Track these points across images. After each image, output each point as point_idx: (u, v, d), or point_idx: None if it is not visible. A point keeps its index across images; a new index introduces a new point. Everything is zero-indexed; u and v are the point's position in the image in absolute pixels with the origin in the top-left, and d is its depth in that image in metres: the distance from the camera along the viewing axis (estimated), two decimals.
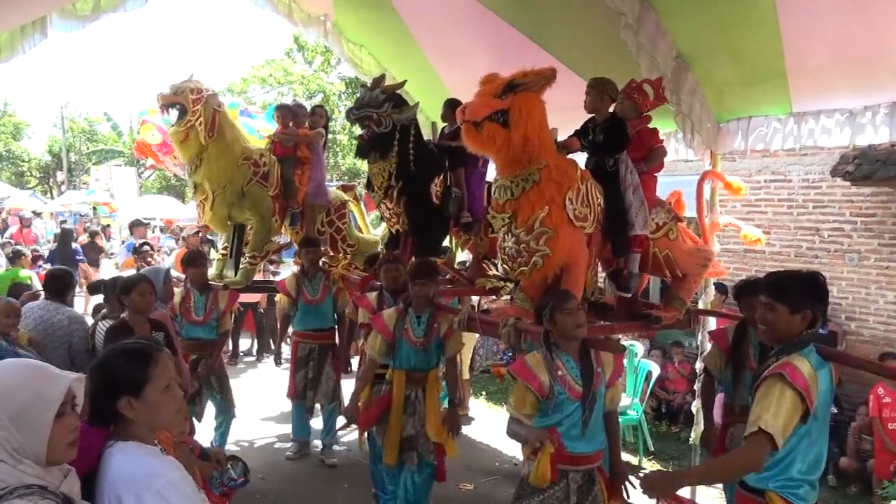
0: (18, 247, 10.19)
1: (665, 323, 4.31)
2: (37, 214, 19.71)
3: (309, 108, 6.53)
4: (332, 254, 6.58)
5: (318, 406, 6.13)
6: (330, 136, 28.60)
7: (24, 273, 8.17)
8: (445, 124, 5.39)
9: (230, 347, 9.85)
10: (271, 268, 9.41)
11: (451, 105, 5.15)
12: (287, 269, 8.92)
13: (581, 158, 4.20)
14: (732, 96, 4.90)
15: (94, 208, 21.50)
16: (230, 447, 6.14)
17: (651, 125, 4.33)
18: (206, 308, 5.55)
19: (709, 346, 4.62)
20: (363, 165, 27.48)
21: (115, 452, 1.83)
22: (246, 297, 9.57)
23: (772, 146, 4.99)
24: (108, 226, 20.52)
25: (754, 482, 2.65)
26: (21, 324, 4.26)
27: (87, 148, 34.68)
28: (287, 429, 6.91)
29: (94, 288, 6.17)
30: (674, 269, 4.30)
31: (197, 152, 5.78)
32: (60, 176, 33.65)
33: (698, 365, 5.42)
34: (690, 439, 5.47)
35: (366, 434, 4.72)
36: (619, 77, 4.15)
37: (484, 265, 5.57)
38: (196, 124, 5.64)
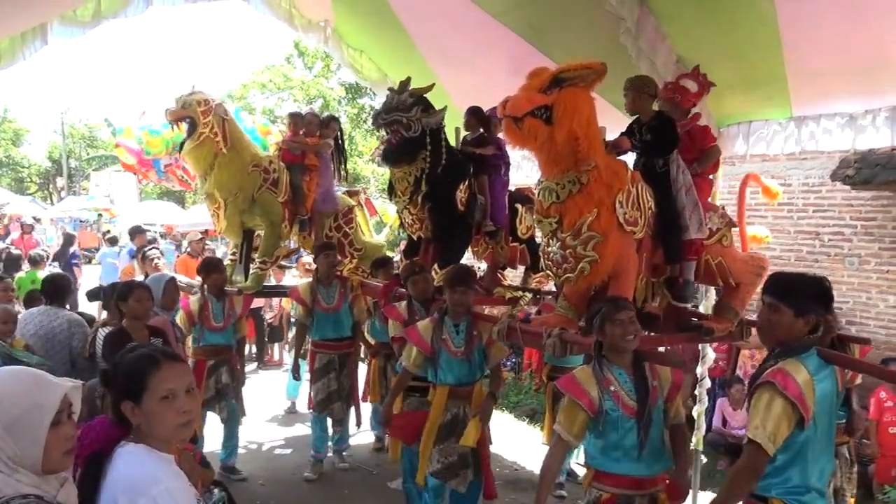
0: (17, 251, 10.19)
1: (717, 335, 4.11)
2: (37, 220, 19.72)
3: (323, 118, 6.61)
4: (340, 258, 6.56)
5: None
6: None
7: (41, 275, 8.17)
8: (467, 133, 5.36)
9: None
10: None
11: (474, 113, 5.23)
12: (289, 276, 8.93)
13: (627, 159, 3.96)
14: (733, 100, 4.90)
15: (100, 214, 21.48)
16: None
17: None
18: (224, 314, 5.63)
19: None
20: (364, 170, 27.62)
21: (123, 453, 1.82)
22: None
23: (772, 150, 5.00)
24: (109, 231, 20.51)
25: (758, 490, 2.61)
26: (21, 330, 4.26)
27: (88, 154, 34.75)
28: (287, 433, 6.92)
29: (92, 295, 6.17)
30: (727, 278, 4.09)
31: (209, 163, 5.81)
32: (60, 182, 33.72)
33: (699, 370, 5.42)
34: (692, 443, 5.43)
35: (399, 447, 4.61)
36: (621, 82, 4.10)
37: (499, 275, 5.55)
38: (210, 135, 5.67)
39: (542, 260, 3.79)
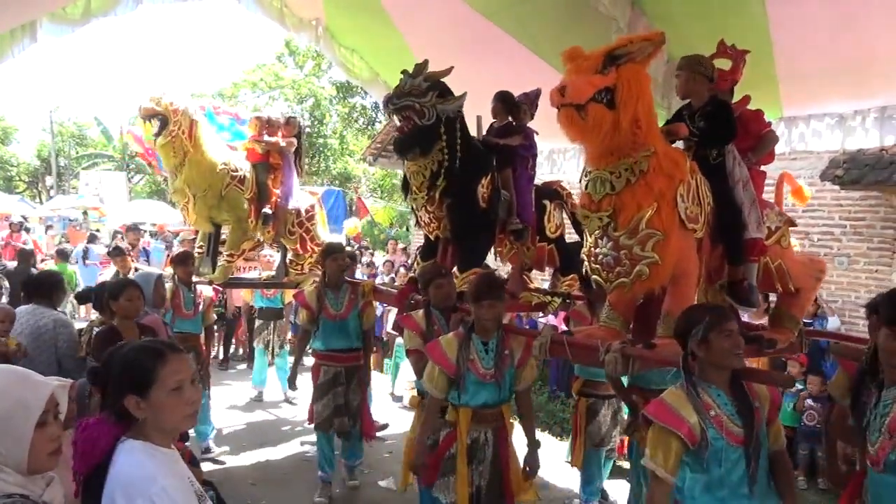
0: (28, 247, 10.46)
1: (780, 347, 3.72)
2: (25, 219, 19.59)
3: (284, 118, 6.88)
4: (300, 252, 7.06)
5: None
6: (320, 140, 28.66)
7: (71, 268, 9.04)
8: (494, 120, 4.92)
9: (221, 354, 9.85)
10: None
11: (502, 99, 4.81)
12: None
13: None
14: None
15: (85, 213, 21.38)
16: (222, 456, 6.13)
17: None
18: (194, 303, 6.10)
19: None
20: (354, 169, 27.58)
21: (123, 451, 1.79)
22: (239, 302, 9.62)
23: None
24: (98, 230, 20.41)
25: None
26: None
27: (77, 152, 34.50)
28: (279, 434, 6.89)
29: (82, 297, 6.14)
30: (786, 283, 3.71)
31: (179, 160, 6.16)
32: (49, 181, 33.46)
33: None
34: None
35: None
36: None
37: (525, 277, 5.20)
38: (179, 133, 6.02)
39: (586, 263, 3.36)
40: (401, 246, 13.46)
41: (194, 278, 6.26)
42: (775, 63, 4.40)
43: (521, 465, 3.69)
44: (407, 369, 7.18)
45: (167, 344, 2.00)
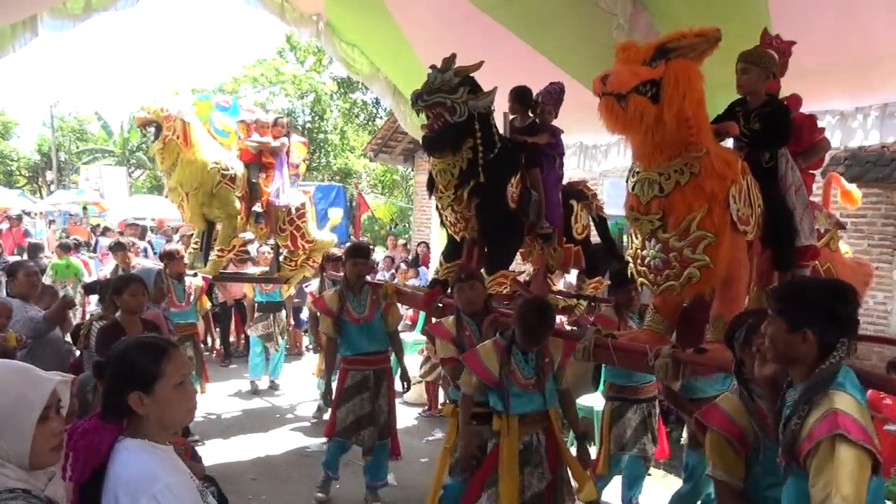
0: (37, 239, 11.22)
1: None
2: (27, 213, 19.59)
3: (272, 119, 7.26)
4: (292, 249, 7.39)
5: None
6: (321, 135, 28.65)
7: (75, 261, 9.29)
8: (514, 117, 4.77)
9: (221, 348, 9.85)
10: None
11: (520, 95, 4.65)
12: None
13: None
14: (724, 98, 4.92)
15: (85, 208, 21.38)
16: (223, 451, 6.13)
17: None
18: (184, 295, 6.39)
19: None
20: (355, 165, 27.59)
21: (122, 451, 1.79)
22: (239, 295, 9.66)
23: None
24: (98, 225, 20.40)
25: None
26: None
27: (77, 147, 34.48)
28: (280, 428, 6.90)
29: (89, 289, 6.35)
30: None
31: (173, 161, 6.53)
32: (50, 175, 33.42)
33: None
34: (682, 440, 5.42)
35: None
36: None
37: (549, 280, 5.09)
38: (173, 137, 6.40)
39: (631, 265, 3.27)
40: (401, 242, 13.46)
41: (188, 272, 6.57)
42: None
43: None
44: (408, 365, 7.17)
45: (167, 340, 2.02)
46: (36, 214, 19.71)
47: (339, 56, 7.07)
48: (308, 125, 27.26)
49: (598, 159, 6.76)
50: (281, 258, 7.65)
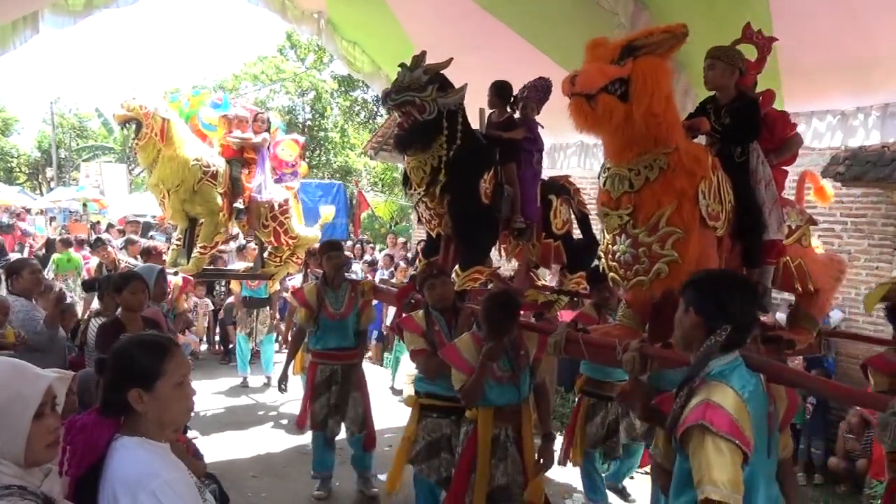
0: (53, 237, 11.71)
1: (799, 347, 3.67)
2: (26, 210, 19.60)
3: (252, 114, 7.26)
4: (275, 245, 7.43)
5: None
6: (322, 133, 28.57)
7: (76, 256, 9.66)
8: (492, 111, 4.78)
9: (222, 347, 9.87)
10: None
11: (500, 89, 4.66)
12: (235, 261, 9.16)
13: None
14: None
15: (85, 205, 21.38)
16: (224, 448, 6.14)
17: None
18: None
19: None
20: (355, 163, 27.56)
21: (119, 448, 1.80)
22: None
23: None
24: (99, 222, 20.41)
25: None
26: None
27: (78, 144, 34.45)
28: (280, 426, 6.91)
29: (87, 285, 6.32)
30: (806, 283, 3.64)
31: (153, 157, 6.50)
32: (50, 172, 33.41)
33: None
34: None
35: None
36: None
37: (532, 275, 5.11)
38: (152, 135, 6.35)
39: (603, 260, 3.31)
40: (401, 240, 13.46)
41: (169, 269, 6.45)
42: (778, 58, 4.39)
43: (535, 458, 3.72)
44: (407, 363, 7.18)
45: (169, 338, 2.02)
46: (37, 212, 19.71)
47: (339, 54, 7.06)
48: (308, 123, 27.23)
49: (599, 158, 6.75)
50: (265, 254, 7.69)
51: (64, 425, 1.76)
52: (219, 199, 6.85)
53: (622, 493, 5.31)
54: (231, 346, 9.81)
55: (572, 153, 6.85)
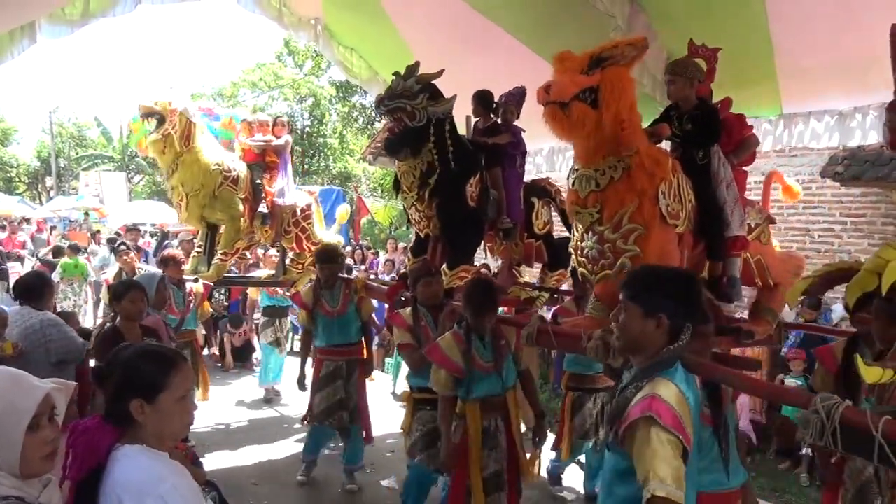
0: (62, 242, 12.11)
1: (758, 338, 3.84)
2: (26, 220, 19.63)
3: (272, 119, 7.19)
4: (297, 251, 7.23)
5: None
6: (320, 139, 28.63)
7: (83, 261, 10.00)
8: (478, 119, 5.03)
9: (219, 353, 9.85)
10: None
11: (481, 98, 4.89)
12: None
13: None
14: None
15: (86, 213, 21.42)
16: (225, 456, 6.12)
17: None
18: (184, 301, 6.23)
19: None
20: (354, 168, 27.58)
21: (121, 456, 1.78)
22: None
23: (762, 147, 5.01)
24: (99, 231, 20.43)
25: None
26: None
27: (77, 153, 34.50)
28: (282, 433, 6.90)
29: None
30: (765, 278, 3.91)
31: (173, 159, 6.31)
32: (49, 181, 33.47)
33: None
34: None
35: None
36: None
37: (515, 272, 5.31)
38: (172, 132, 6.14)
39: (574, 256, 3.52)
40: (401, 245, 13.45)
41: (189, 277, 6.44)
42: (775, 59, 4.40)
43: (529, 439, 4.07)
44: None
45: (176, 351, 2.01)
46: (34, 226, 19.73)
47: (337, 60, 7.06)
48: (307, 129, 27.28)
49: None
50: (287, 261, 7.47)
51: (68, 429, 1.75)
52: (240, 205, 6.72)
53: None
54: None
55: (570, 156, 6.84)
